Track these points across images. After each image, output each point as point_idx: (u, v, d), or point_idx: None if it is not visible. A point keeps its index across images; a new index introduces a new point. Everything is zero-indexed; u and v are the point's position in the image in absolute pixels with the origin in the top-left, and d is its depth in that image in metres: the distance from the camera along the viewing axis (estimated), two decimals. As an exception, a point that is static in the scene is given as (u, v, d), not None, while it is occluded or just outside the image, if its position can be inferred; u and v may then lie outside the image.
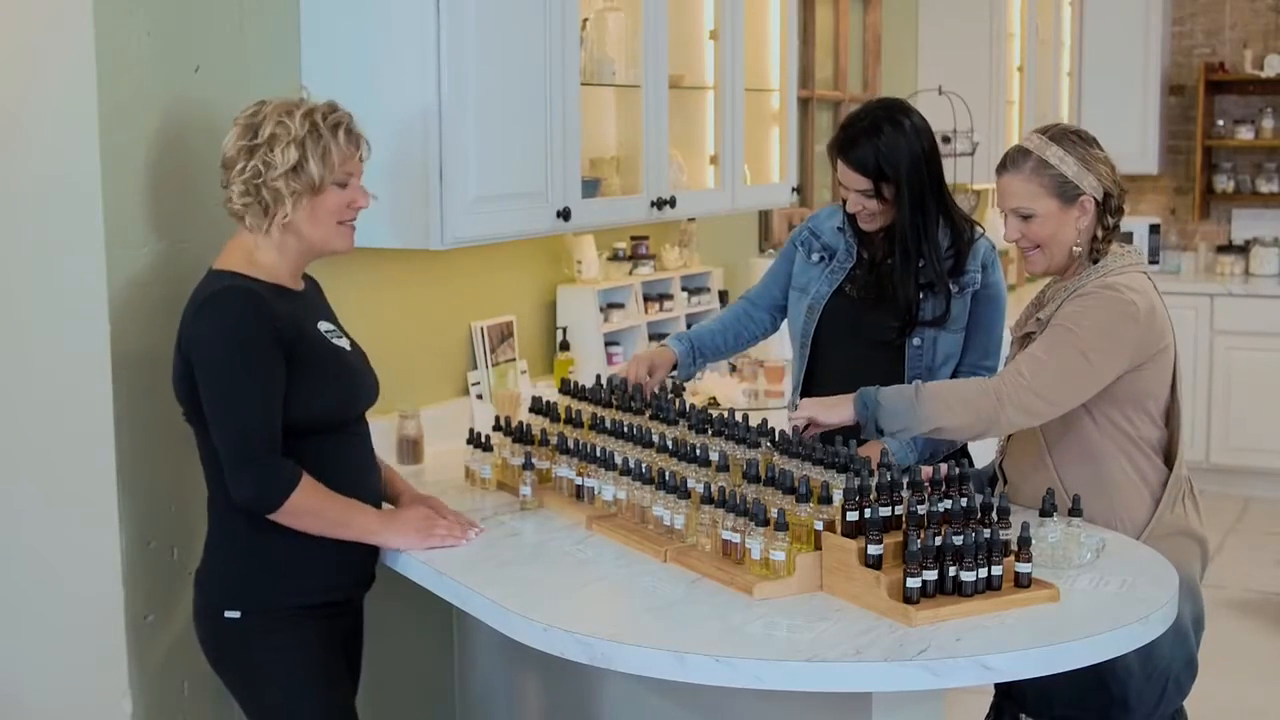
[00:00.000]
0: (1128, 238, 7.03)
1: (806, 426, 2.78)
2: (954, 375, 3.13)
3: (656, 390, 3.25)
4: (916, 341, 3.10)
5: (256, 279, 2.51)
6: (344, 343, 2.66)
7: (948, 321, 3.09)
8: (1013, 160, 2.82)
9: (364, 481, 2.66)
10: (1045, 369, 2.67)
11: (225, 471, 2.46)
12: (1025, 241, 2.82)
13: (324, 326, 2.63)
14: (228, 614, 2.53)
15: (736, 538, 2.45)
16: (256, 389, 2.44)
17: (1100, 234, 2.80)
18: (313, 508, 2.49)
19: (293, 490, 2.45)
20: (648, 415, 3.05)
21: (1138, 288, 2.74)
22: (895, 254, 3.10)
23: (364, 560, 2.67)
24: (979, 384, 2.71)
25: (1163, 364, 2.78)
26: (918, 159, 3.05)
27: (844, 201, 3.17)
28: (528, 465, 2.92)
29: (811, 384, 3.23)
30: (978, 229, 3.19)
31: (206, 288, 2.51)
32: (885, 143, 3.02)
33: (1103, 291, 2.72)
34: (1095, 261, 2.80)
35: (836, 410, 2.77)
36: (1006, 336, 3.11)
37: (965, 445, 3.28)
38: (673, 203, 3.84)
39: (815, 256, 3.26)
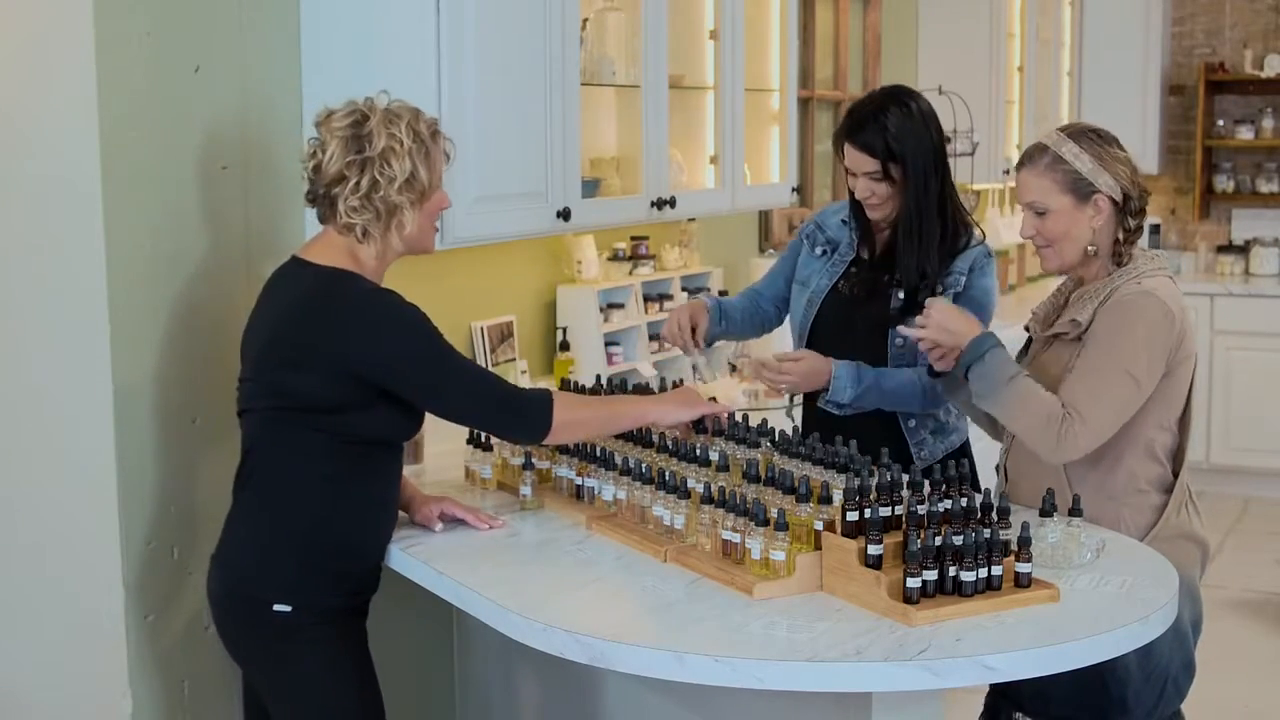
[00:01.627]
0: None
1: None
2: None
3: (703, 344, 3.26)
4: (899, 341, 3.11)
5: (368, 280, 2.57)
6: None
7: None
8: (1029, 155, 2.82)
9: (397, 496, 2.72)
10: (1101, 406, 2.67)
11: (497, 430, 2.71)
12: (1039, 239, 2.82)
13: None
14: (277, 607, 2.53)
15: (736, 538, 2.45)
16: (458, 355, 2.56)
17: (1121, 236, 2.79)
18: (578, 413, 2.69)
19: (551, 405, 2.61)
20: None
21: (1168, 294, 2.74)
22: (899, 232, 3.10)
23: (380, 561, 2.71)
24: (1054, 410, 2.68)
25: (1184, 371, 2.77)
26: (924, 141, 3.07)
27: (850, 194, 3.17)
28: (528, 465, 2.92)
29: None
30: (975, 234, 3.18)
31: (346, 289, 2.53)
32: (893, 123, 3.04)
33: (1138, 299, 2.71)
34: (1119, 264, 2.80)
35: (964, 331, 2.77)
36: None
37: (967, 444, 3.28)
38: (673, 203, 3.84)
39: (819, 250, 3.27)
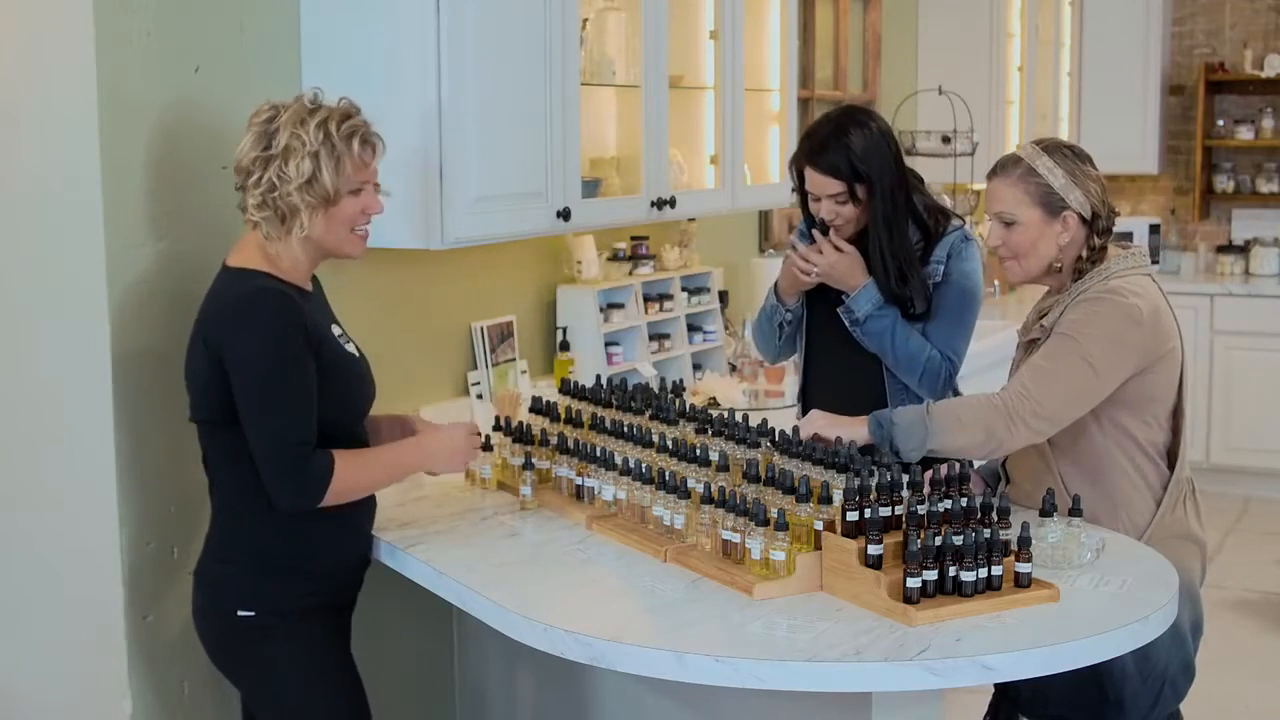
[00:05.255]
0: (1127, 237, 7.03)
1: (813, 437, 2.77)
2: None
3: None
4: None
5: (280, 279, 2.51)
6: (351, 348, 2.67)
7: (914, 308, 3.10)
8: (1002, 166, 2.83)
9: None
10: (1050, 382, 2.66)
11: (264, 479, 2.45)
12: (1005, 250, 2.82)
13: (335, 330, 2.64)
14: (241, 613, 2.53)
15: (736, 538, 2.45)
16: (292, 391, 2.43)
17: (1085, 254, 2.79)
18: (354, 484, 2.52)
19: (329, 481, 2.46)
20: (648, 415, 3.05)
21: (1140, 291, 2.74)
22: (869, 254, 3.08)
23: (365, 559, 2.70)
24: (988, 400, 2.69)
25: (1169, 367, 2.77)
26: (886, 157, 3.05)
27: (806, 218, 3.17)
28: (528, 465, 2.92)
29: (809, 379, 3.29)
30: (953, 221, 3.18)
31: (234, 287, 2.48)
32: (856, 143, 3.02)
33: (1106, 296, 2.71)
34: (1076, 280, 2.78)
35: (849, 431, 2.75)
36: (999, 340, 3.08)
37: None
38: (673, 203, 3.84)
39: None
